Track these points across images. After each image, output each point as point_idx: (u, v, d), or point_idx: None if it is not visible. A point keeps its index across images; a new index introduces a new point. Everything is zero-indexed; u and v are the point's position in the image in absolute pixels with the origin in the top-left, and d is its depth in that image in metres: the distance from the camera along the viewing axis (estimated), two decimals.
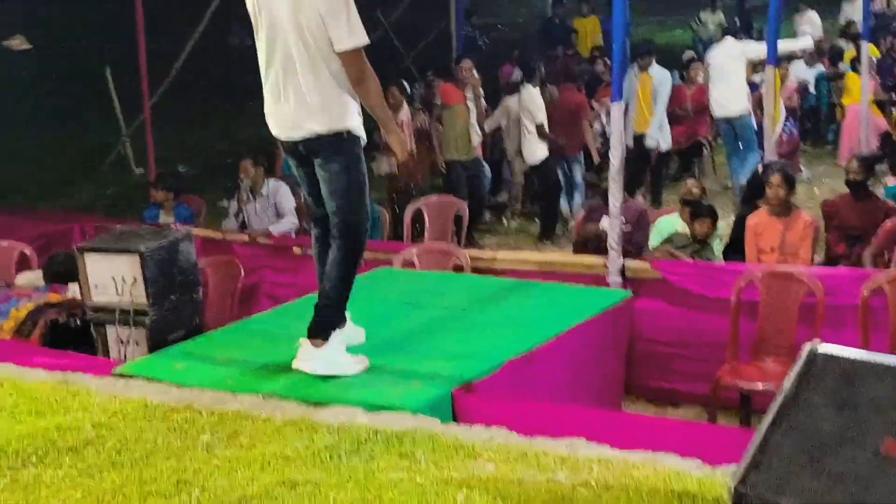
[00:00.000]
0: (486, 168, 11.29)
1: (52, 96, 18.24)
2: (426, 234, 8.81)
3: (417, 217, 9.00)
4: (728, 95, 11.56)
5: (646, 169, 12.03)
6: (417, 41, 20.62)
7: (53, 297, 6.58)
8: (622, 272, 7.14)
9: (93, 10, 19.61)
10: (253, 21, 4.97)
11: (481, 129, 11.10)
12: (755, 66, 11.99)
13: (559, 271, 7.34)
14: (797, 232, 7.47)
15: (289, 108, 4.86)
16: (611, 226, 7.13)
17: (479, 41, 17.65)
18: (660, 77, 11.85)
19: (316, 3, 4.66)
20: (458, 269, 7.28)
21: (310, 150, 4.91)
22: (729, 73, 11.61)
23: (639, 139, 11.80)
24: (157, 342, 6.03)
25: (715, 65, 11.77)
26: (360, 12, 4.76)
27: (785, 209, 7.51)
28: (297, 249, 8.17)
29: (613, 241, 7.10)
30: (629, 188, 11.60)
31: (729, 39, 12.12)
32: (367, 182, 4.99)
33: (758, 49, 12.77)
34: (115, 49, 15.41)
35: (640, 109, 11.76)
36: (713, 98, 11.75)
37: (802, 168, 12.57)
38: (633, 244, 8.03)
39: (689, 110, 12.65)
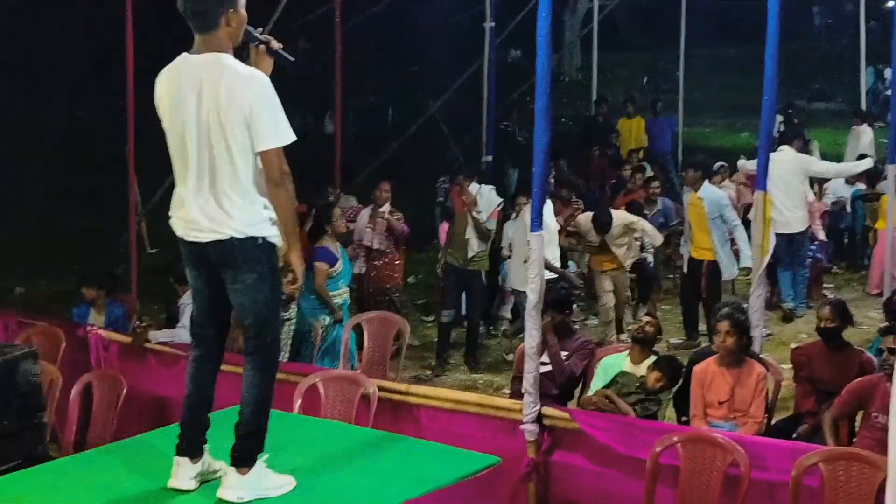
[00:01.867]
0: (482, 283, 10.55)
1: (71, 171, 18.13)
2: (364, 352, 8.11)
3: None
4: (791, 211, 10.89)
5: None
6: (465, 131, 20.15)
7: None
8: (539, 419, 6.34)
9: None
10: (162, 116, 4.57)
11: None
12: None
13: (472, 412, 6.60)
14: (748, 386, 6.58)
15: (202, 209, 4.45)
16: (526, 368, 6.33)
17: (518, 136, 16.96)
18: (710, 198, 10.28)
19: (243, 99, 4.33)
20: (365, 398, 6.57)
21: (221, 256, 4.49)
22: (791, 188, 10.91)
23: (696, 265, 10.42)
24: None
25: (774, 177, 10.54)
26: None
27: (735, 359, 6.64)
28: None
29: (529, 385, 6.30)
30: (691, 325, 10.51)
31: (786, 150, 11.21)
32: (281, 293, 4.69)
33: (823, 168, 11.91)
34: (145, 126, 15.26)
35: (693, 232, 10.41)
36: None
37: (828, 294, 11.58)
38: (570, 368, 7.23)
39: None
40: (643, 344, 7.23)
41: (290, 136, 4.44)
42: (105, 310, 8.55)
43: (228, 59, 4.44)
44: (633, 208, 11.36)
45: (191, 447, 4.66)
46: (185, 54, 4.52)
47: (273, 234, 4.50)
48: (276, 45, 4.69)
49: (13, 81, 19.59)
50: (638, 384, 6.99)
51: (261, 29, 4.73)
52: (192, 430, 4.67)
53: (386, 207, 10.35)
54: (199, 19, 4.45)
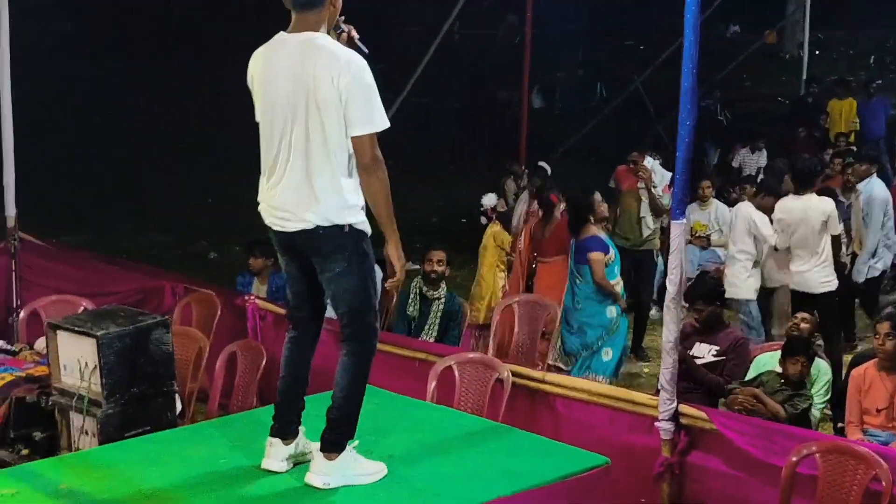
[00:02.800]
0: (660, 263, 10.18)
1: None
2: (513, 336, 7.92)
3: None
4: None
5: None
6: (671, 108, 19.55)
7: (40, 371, 6.30)
8: (675, 417, 6.03)
9: None
10: (255, 95, 4.55)
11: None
12: None
13: (608, 406, 6.35)
14: None
15: (293, 191, 4.40)
16: (664, 363, 6.03)
17: (719, 115, 16.38)
18: (869, 194, 9.78)
19: (340, 82, 4.23)
20: (500, 383, 6.41)
21: (308, 244, 4.45)
22: None
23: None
24: (109, 437, 5.59)
25: None
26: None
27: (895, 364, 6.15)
28: None
29: (665, 381, 6.00)
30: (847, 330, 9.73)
31: None
32: (375, 280, 4.57)
33: None
34: None
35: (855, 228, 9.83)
36: None
37: None
38: (727, 376, 6.85)
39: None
40: (797, 343, 6.77)
41: (383, 123, 4.31)
42: (268, 280, 8.66)
43: (325, 38, 4.34)
44: (825, 195, 10.69)
45: (284, 428, 4.65)
46: (281, 33, 4.45)
47: (361, 221, 4.40)
48: (355, 34, 4.61)
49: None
50: (782, 381, 6.55)
51: (343, 17, 4.64)
52: (286, 411, 4.66)
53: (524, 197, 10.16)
54: None
